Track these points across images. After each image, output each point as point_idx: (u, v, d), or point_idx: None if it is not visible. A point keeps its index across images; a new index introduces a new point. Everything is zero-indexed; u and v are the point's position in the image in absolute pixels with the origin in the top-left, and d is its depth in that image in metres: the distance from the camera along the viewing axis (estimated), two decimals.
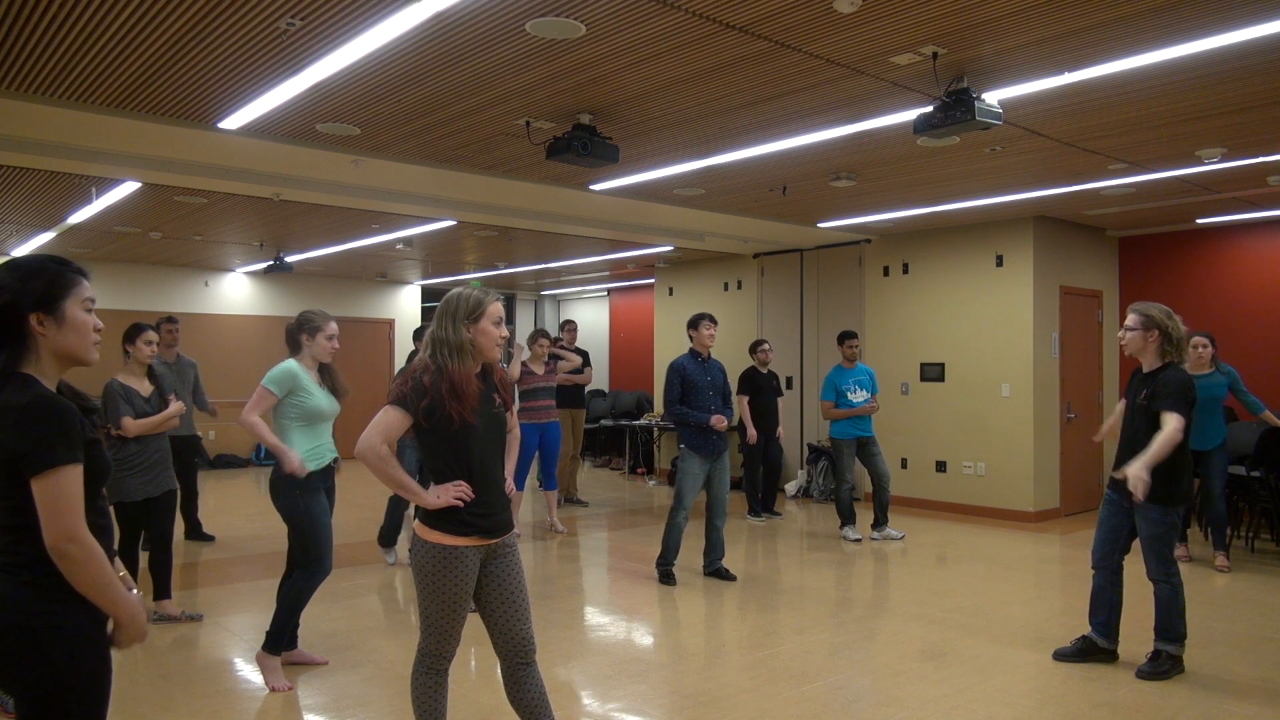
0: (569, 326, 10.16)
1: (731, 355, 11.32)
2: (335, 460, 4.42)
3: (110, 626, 1.97)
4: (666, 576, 6.22)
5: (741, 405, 8.50)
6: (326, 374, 4.42)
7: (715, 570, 6.33)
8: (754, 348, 8.88)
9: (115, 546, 2.07)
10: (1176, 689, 4.16)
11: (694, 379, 6.11)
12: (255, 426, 4.20)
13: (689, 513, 6.18)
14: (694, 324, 6.30)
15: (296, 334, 4.37)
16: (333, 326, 4.41)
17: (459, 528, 2.79)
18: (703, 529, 6.40)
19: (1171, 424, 4.11)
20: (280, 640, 4.27)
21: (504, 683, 2.93)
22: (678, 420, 6.14)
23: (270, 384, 4.22)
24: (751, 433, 8.48)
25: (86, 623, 1.90)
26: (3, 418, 1.83)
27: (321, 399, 4.32)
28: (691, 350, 6.28)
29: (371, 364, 14.07)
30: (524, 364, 7.84)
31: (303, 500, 4.20)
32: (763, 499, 9.03)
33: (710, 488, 6.21)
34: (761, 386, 8.72)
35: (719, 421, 6.03)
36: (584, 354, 10.06)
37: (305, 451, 4.23)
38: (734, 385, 6.44)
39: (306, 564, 4.25)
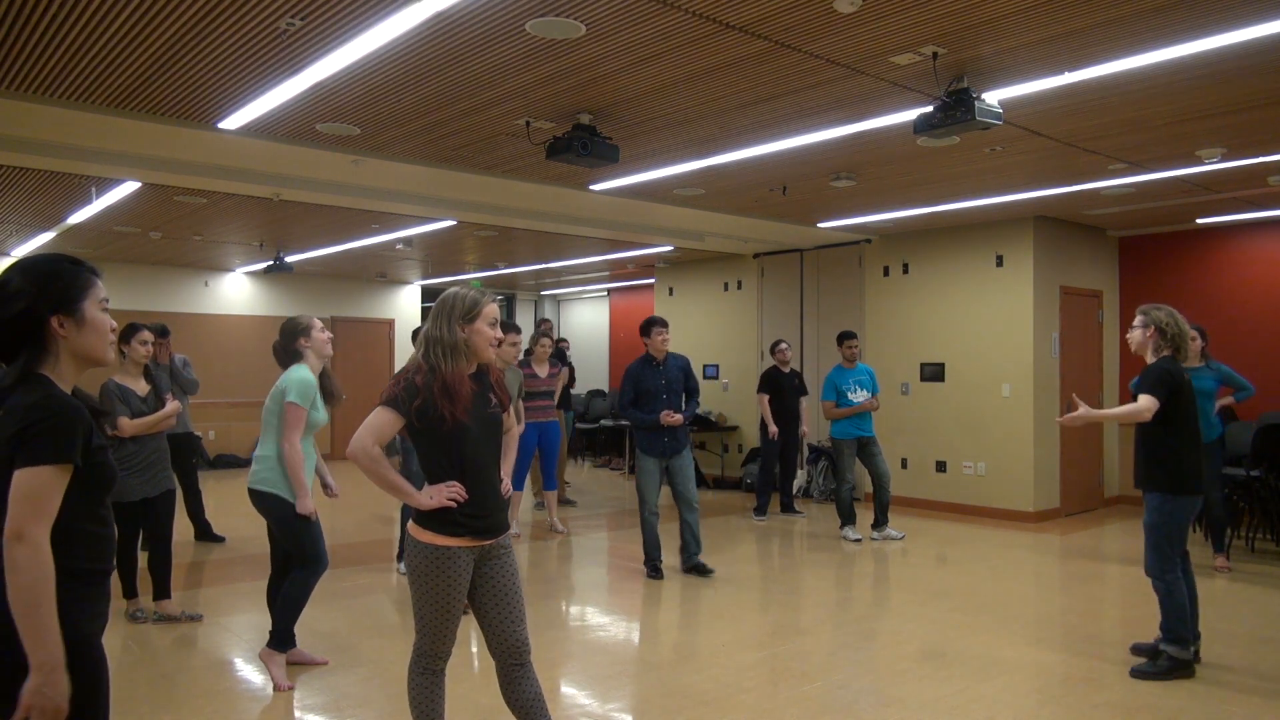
0: (544, 326, 10.29)
1: (733, 355, 11.36)
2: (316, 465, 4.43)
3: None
4: (655, 572, 6.36)
5: (760, 403, 8.73)
6: (325, 379, 4.35)
7: (692, 566, 6.42)
8: (773, 348, 9.01)
9: (114, 560, 2.01)
10: (1176, 689, 4.16)
11: (646, 384, 6.29)
12: (297, 454, 4.12)
13: (654, 507, 6.33)
14: (645, 331, 6.44)
15: (292, 342, 4.28)
16: (319, 321, 4.39)
17: (451, 528, 2.79)
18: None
19: (1140, 402, 4.26)
20: (287, 637, 4.28)
21: (500, 684, 2.93)
22: (629, 422, 6.40)
23: (298, 399, 4.13)
24: (773, 429, 8.61)
25: (83, 631, 1.83)
26: (10, 415, 1.79)
27: (321, 414, 4.29)
28: (645, 355, 6.41)
29: (371, 364, 14.07)
30: (528, 366, 7.86)
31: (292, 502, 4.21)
32: (783, 498, 9.06)
33: (672, 484, 6.37)
34: (783, 386, 8.75)
35: (668, 417, 6.17)
36: (560, 352, 10.08)
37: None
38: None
39: (305, 562, 4.26)
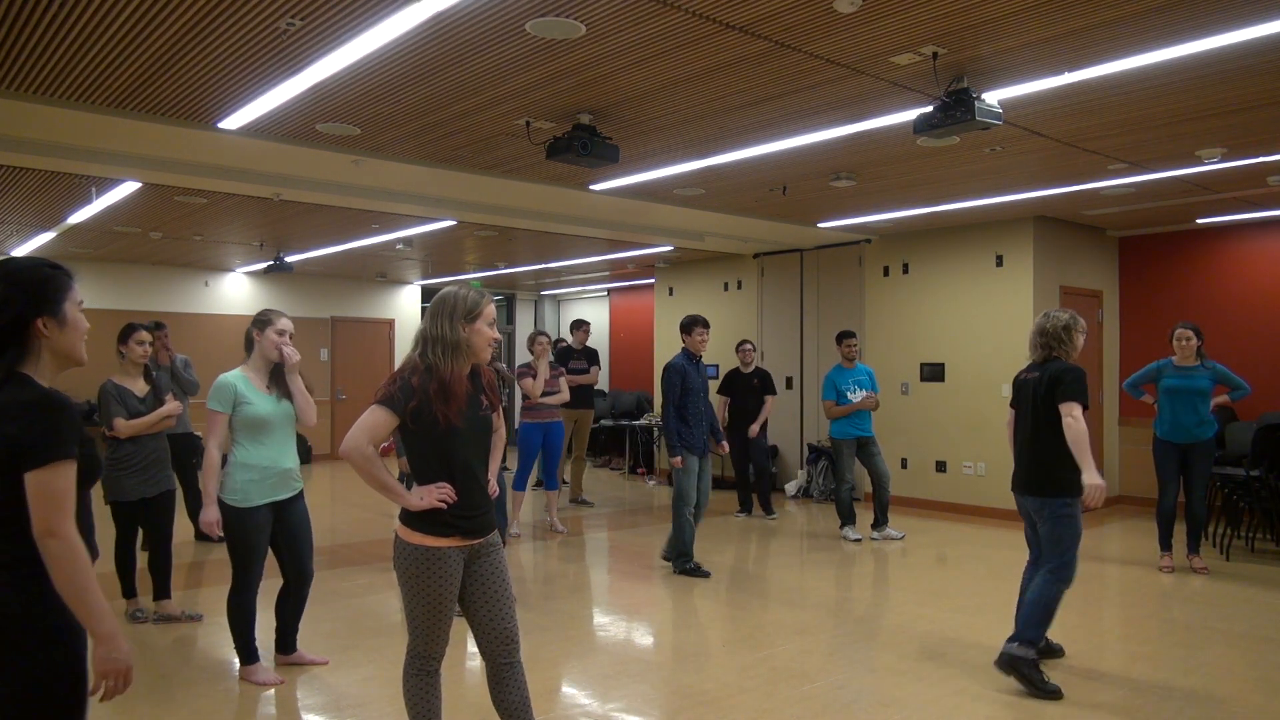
0: (583, 327, 10.04)
1: (732, 355, 11.29)
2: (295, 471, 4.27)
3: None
4: (697, 570, 6.35)
5: (719, 405, 8.65)
6: (277, 378, 4.19)
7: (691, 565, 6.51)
8: (736, 348, 8.94)
9: (97, 549, 2.07)
10: (1177, 690, 4.16)
11: (691, 382, 6.31)
12: (210, 461, 4.05)
13: (693, 506, 6.37)
14: (687, 329, 6.44)
15: (251, 330, 4.20)
16: (284, 323, 4.16)
17: (441, 529, 2.79)
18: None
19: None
20: (249, 652, 4.26)
21: (489, 685, 2.94)
22: (674, 433, 6.28)
23: (213, 404, 4.06)
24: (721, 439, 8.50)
25: (66, 626, 1.89)
26: (6, 413, 1.87)
27: (264, 405, 4.11)
28: (686, 351, 6.43)
29: (371, 364, 14.07)
30: (527, 365, 7.85)
31: (237, 517, 4.10)
32: (760, 500, 9.00)
33: (699, 482, 6.43)
34: (740, 387, 8.73)
35: (723, 449, 6.50)
36: (592, 353, 10.03)
37: (253, 467, 4.11)
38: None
39: (233, 579, 4.20)
